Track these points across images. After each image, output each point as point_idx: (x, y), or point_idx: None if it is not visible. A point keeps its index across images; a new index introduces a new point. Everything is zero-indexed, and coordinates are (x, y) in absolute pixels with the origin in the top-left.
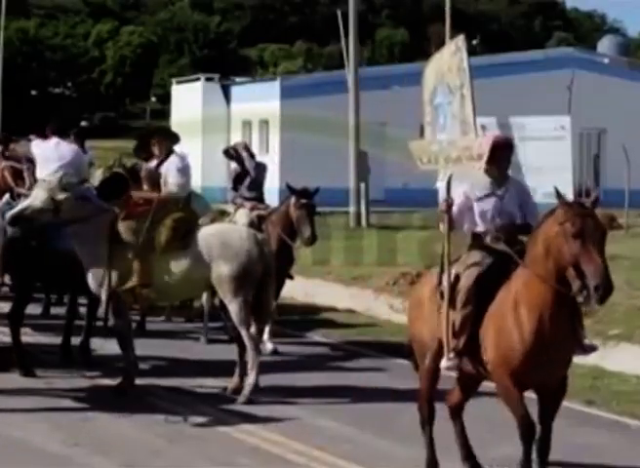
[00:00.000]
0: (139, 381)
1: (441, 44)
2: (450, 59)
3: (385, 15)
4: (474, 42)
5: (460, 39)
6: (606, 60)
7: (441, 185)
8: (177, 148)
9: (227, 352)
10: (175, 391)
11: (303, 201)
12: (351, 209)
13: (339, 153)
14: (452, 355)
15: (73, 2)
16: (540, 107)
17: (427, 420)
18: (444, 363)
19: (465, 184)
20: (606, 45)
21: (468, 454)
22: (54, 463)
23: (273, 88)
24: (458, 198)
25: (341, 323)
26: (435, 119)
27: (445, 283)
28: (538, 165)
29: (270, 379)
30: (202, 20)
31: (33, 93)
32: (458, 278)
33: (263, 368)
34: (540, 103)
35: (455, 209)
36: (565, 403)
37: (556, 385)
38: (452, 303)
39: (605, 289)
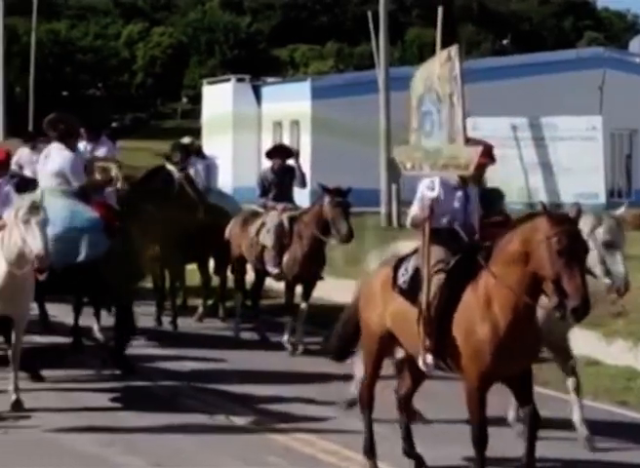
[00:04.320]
0: (171, 382)
1: (469, 45)
2: (440, 68)
3: (416, 14)
4: (505, 42)
5: (454, 49)
6: (637, 60)
7: (433, 195)
8: (206, 150)
9: (259, 353)
10: (205, 391)
11: (338, 199)
12: (382, 209)
13: (370, 154)
14: (429, 357)
15: (104, 3)
16: (571, 107)
17: (367, 406)
18: (422, 365)
19: (436, 180)
20: (637, 45)
21: (410, 449)
22: (87, 463)
23: (304, 88)
24: (421, 200)
25: None
26: (421, 125)
27: (413, 282)
28: (569, 165)
29: (302, 379)
30: (232, 21)
31: (64, 94)
32: (417, 271)
33: (295, 368)
34: (572, 103)
35: (419, 204)
36: (598, 404)
37: (520, 375)
38: (413, 299)
39: (583, 310)
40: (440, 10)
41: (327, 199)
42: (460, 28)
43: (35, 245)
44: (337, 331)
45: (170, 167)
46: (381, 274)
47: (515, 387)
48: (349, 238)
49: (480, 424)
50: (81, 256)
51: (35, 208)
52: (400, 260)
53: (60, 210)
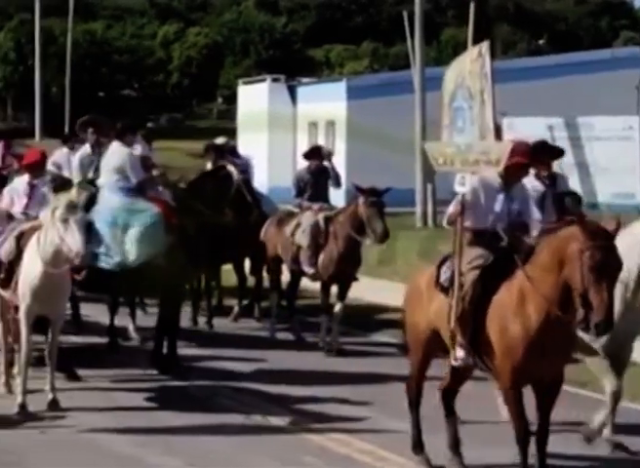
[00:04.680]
0: (207, 382)
1: (505, 45)
2: (471, 64)
3: (451, 15)
4: (541, 42)
5: (485, 45)
6: None
7: (462, 190)
8: (241, 150)
9: (294, 354)
10: (241, 391)
11: (373, 199)
12: (418, 209)
13: (405, 153)
14: (462, 352)
15: (140, 3)
16: (607, 107)
17: (414, 403)
18: (453, 360)
19: (475, 181)
20: None
21: (454, 443)
22: (122, 463)
23: (339, 88)
24: (467, 196)
25: None
26: (453, 122)
27: (452, 279)
28: (605, 165)
29: (338, 379)
30: (268, 21)
31: (100, 94)
32: (460, 273)
33: (331, 368)
34: (608, 103)
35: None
36: (630, 404)
37: (552, 380)
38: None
39: (605, 327)
40: (472, 6)
41: (361, 199)
42: (496, 28)
43: (74, 244)
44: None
45: (231, 168)
46: (427, 273)
47: (541, 394)
48: (385, 238)
49: (519, 421)
50: (143, 255)
51: (73, 207)
52: (444, 259)
53: (120, 206)
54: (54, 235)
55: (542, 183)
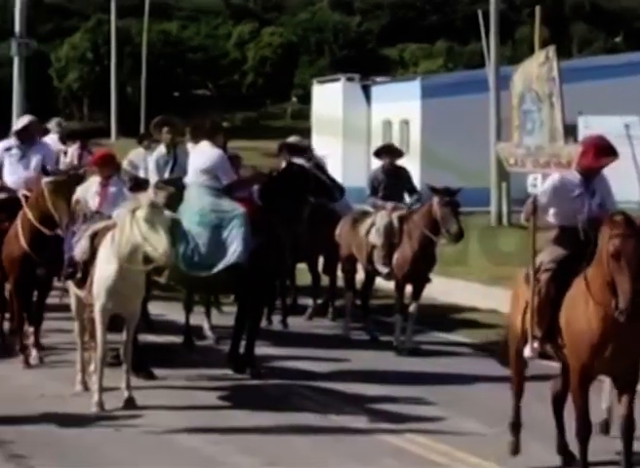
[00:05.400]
0: (282, 381)
1: (581, 43)
2: (539, 69)
3: (526, 13)
4: (617, 40)
5: (551, 49)
6: None
7: (535, 192)
8: (315, 149)
9: (368, 353)
10: (316, 390)
11: (447, 198)
12: (492, 208)
13: (479, 153)
14: (535, 344)
15: (215, 4)
16: None
17: (517, 400)
18: (527, 351)
19: (556, 179)
20: None
21: (563, 447)
22: (199, 462)
23: (414, 87)
24: (542, 196)
25: (484, 323)
26: (523, 123)
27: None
28: None
29: (413, 379)
30: (342, 21)
31: (175, 94)
32: (537, 270)
33: (405, 367)
34: None
35: (541, 202)
36: None
37: (626, 372)
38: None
39: (627, 313)
40: (538, 9)
41: (436, 199)
42: (572, 27)
43: (160, 244)
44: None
45: (300, 160)
46: (525, 273)
47: (618, 387)
48: (460, 237)
49: (582, 416)
50: (233, 256)
51: (157, 207)
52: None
53: (207, 206)
54: (135, 235)
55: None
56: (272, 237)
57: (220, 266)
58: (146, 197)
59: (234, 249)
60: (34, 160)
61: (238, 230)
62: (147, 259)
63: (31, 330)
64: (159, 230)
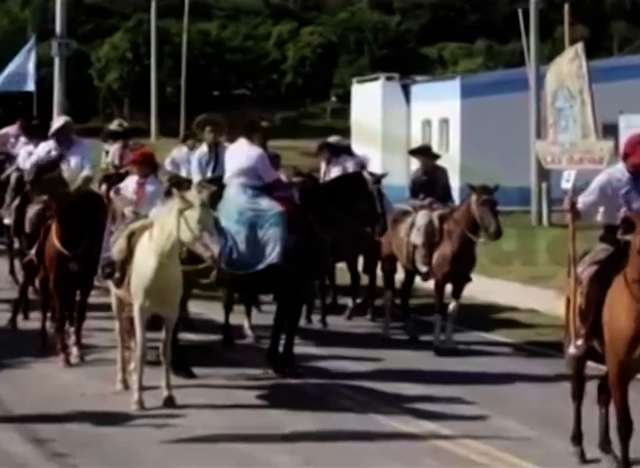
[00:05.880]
0: (321, 380)
1: (622, 41)
2: (569, 65)
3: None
4: None
5: (580, 46)
6: None
7: (567, 187)
8: (355, 149)
9: (408, 353)
10: (355, 390)
11: (485, 197)
12: (532, 208)
13: (519, 152)
14: (579, 341)
15: (254, 4)
16: None
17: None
18: (571, 349)
19: (603, 177)
20: None
21: (606, 444)
22: (238, 462)
23: (453, 87)
24: (590, 194)
25: (523, 323)
26: (557, 121)
27: (572, 274)
28: None
29: (453, 379)
30: (381, 20)
31: (215, 94)
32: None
33: (445, 367)
34: None
35: (588, 199)
36: None
37: None
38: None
39: None
40: (566, 7)
41: (473, 197)
42: (613, 25)
43: (213, 246)
44: None
45: (367, 175)
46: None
47: None
48: (498, 235)
49: (621, 413)
50: (270, 257)
51: (207, 208)
52: (583, 255)
53: (245, 205)
54: (186, 235)
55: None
56: (310, 236)
57: (259, 266)
58: (197, 197)
59: (272, 248)
60: (73, 160)
61: (275, 230)
62: (194, 259)
63: (72, 329)
64: (212, 231)
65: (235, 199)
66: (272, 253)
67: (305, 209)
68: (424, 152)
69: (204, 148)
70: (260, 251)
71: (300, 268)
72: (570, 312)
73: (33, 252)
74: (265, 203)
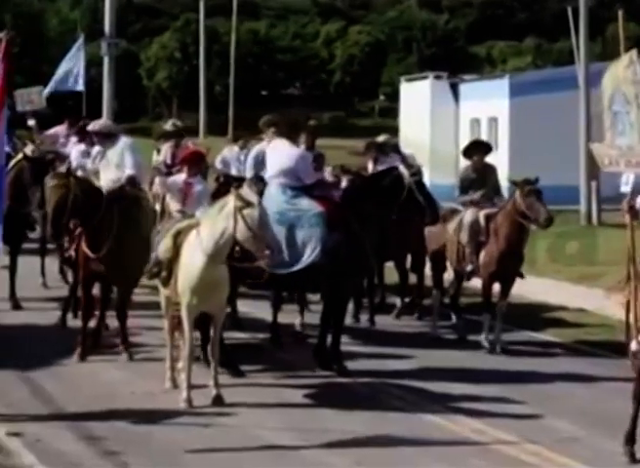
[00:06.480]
0: (370, 379)
1: None
2: (624, 71)
3: (617, 10)
4: None
5: (634, 53)
6: None
7: (627, 190)
8: (403, 147)
9: (456, 352)
10: (404, 389)
11: (529, 187)
12: (582, 207)
13: (569, 150)
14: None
15: (303, 3)
16: None
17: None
18: (633, 345)
19: (628, 175)
20: None
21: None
22: (288, 461)
23: (502, 85)
24: None
25: (572, 322)
26: (614, 125)
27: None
28: None
29: (502, 378)
30: (430, 18)
31: (263, 93)
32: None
33: (494, 366)
34: None
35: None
36: None
37: None
38: None
39: None
40: (620, 13)
41: (518, 191)
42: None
43: (268, 243)
44: None
45: (402, 170)
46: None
47: None
48: (549, 222)
49: None
50: (310, 257)
51: (262, 205)
52: None
53: (285, 205)
54: (242, 233)
55: None
56: (350, 235)
57: (299, 266)
58: (254, 196)
59: (312, 248)
60: (115, 160)
61: (315, 230)
62: (248, 257)
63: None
64: (269, 230)
65: (275, 199)
66: (312, 254)
67: (345, 208)
68: (477, 147)
69: (264, 145)
70: (301, 251)
71: (340, 267)
72: (630, 311)
73: (72, 250)
74: (305, 203)
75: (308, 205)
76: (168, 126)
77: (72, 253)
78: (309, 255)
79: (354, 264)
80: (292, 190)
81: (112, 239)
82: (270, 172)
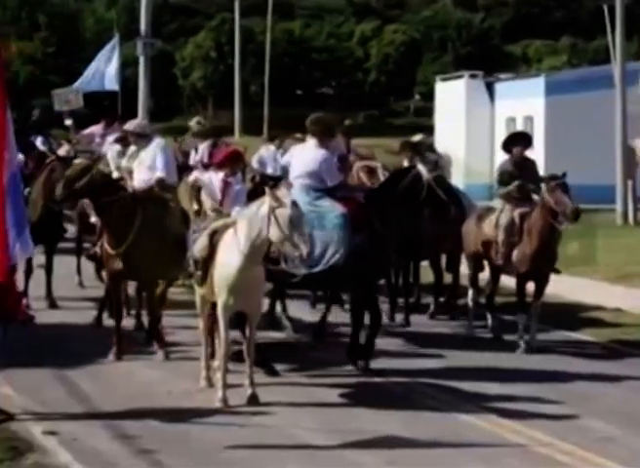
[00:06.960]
0: (404, 379)
1: None
2: None
3: None
4: None
5: None
6: None
7: None
8: (438, 147)
9: (492, 352)
10: (438, 389)
11: (554, 182)
12: (618, 206)
13: (605, 149)
14: None
15: (337, 2)
16: None
17: None
18: None
19: None
20: None
21: None
22: (322, 460)
23: (538, 84)
24: None
25: (609, 322)
26: None
27: None
28: None
29: (537, 378)
30: (465, 17)
31: (299, 92)
32: None
33: (529, 366)
34: None
35: None
36: None
37: None
38: None
39: None
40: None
41: (544, 188)
42: None
43: (301, 244)
44: None
45: (420, 167)
46: None
47: None
48: (577, 215)
49: None
50: (333, 258)
51: (297, 205)
52: None
53: (308, 207)
54: (276, 233)
55: None
56: (372, 236)
57: (320, 267)
58: (288, 196)
59: (335, 249)
60: (148, 161)
61: (338, 231)
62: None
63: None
64: (302, 231)
65: (299, 200)
66: (335, 254)
67: (368, 208)
68: (516, 140)
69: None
70: (324, 251)
71: (363, 268)
72: None
73: (97, 247)
74: (328, 204)
75: (331, 206)
76: (192, 123)
77: (97, 249)
78: (331, 256)
79: (375, 265)
80: (315, 192)
81: (132, 237)
82: (294, 173)
